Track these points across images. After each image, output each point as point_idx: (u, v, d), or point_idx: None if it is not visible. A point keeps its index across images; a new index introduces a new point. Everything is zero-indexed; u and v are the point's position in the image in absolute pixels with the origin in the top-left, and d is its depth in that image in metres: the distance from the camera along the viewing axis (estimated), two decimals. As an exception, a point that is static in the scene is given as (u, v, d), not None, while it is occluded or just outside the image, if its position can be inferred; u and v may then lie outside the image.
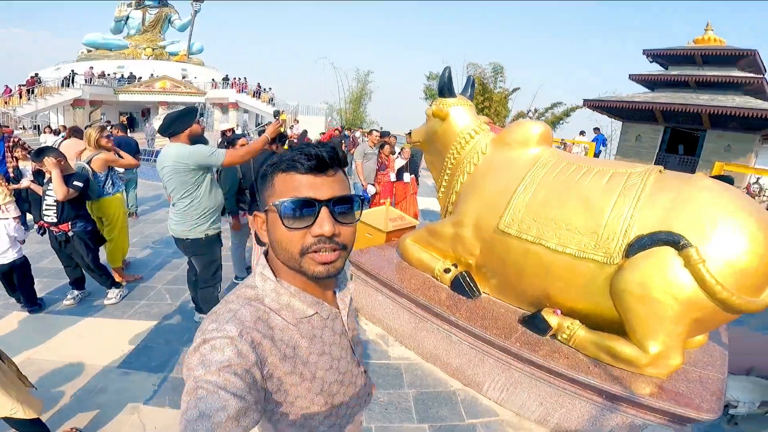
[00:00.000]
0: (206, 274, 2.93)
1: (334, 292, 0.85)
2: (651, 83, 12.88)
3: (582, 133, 14.19)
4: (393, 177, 6.15)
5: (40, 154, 3.17)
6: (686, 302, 1.87)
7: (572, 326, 2.25)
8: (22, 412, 1.72)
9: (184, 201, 2.68)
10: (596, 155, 12.92)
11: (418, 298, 2.80)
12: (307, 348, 0.74)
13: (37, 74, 21.04)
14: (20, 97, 18.14)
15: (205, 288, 2.97)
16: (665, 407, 1.89)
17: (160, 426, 2.21)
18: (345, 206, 0.71)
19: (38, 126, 14.76)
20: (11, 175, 5.62)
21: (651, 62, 12.92)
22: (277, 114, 3.17)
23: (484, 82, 24.49)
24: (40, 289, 3.75)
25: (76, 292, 3.55)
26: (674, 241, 1.87)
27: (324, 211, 0.68)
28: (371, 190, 6.03)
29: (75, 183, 3.17)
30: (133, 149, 6.61)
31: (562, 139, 14.10)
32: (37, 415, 1.79)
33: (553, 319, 2.31)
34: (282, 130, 3.02)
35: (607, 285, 2.08)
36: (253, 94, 24.30)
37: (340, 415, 0.82)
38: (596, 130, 13.56)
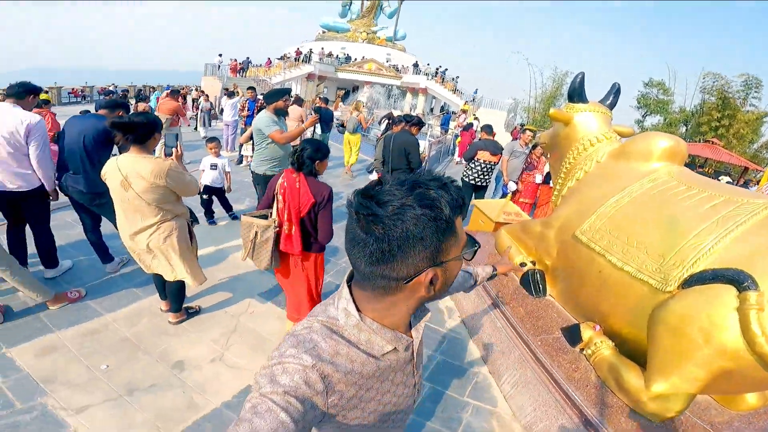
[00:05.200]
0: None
1: (410, 324, 0.85)
2: None
3: None
4: (539, 179, 6.03)
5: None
6: (717, 346, 1.61)
7: (600, 344, 2.14)
8: (190, 280, 2.60)
9: (257, 148, 3.75)
10: None
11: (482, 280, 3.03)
12: (377, 378, 0.76)
13: (298, 48, 27.02)
14: (297, 59, 24.20)
15: None
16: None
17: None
18: None
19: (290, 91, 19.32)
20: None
21: None
22: (317, 110, 3.85)
23: (727, 96, 19.98)
24: (247, 204, 5.48)
25: None
26: (738, 281, 1.61)
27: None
28: (512, 186, 6.07)
29: None
30: (329, 117, 8.44)
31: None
32: (195, 285, 2.65)
33: (587, 332, 2.23)
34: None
35: None
36: (440, 80, 25.61)
37: (387, 427, 0.86)
38: None
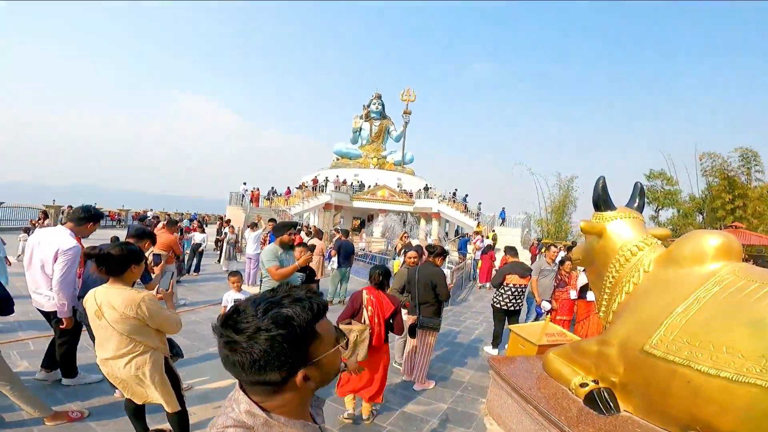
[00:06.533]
0: None
1: (311, 413, 0.93)
2: None
3: None
4: (574, 294, 5.77)
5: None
6: None
7: None
8: (167, 406, 2.36)
9: (264, 279, 3.83)
10: None
11: (538, 405, 2.66)
12: None
13: (316, 177, 27.08)
14: (314, 188, 24.04)
15: None
16: None
17: None
18: None
19: (300, 224, 18.11)
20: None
21: None
22: (312, 248, 4.00)
23: (729, 175, 19.90)
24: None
25: None
26: None
27: None
28: (545, 306, 5.79)
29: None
30: (350, 251, 8.38)
31: None
32: (173, 411, 2.39)
33: None
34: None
35: None
36: (454, 204, 25.20)
37: None
38: None
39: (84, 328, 3.24)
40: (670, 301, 2.30)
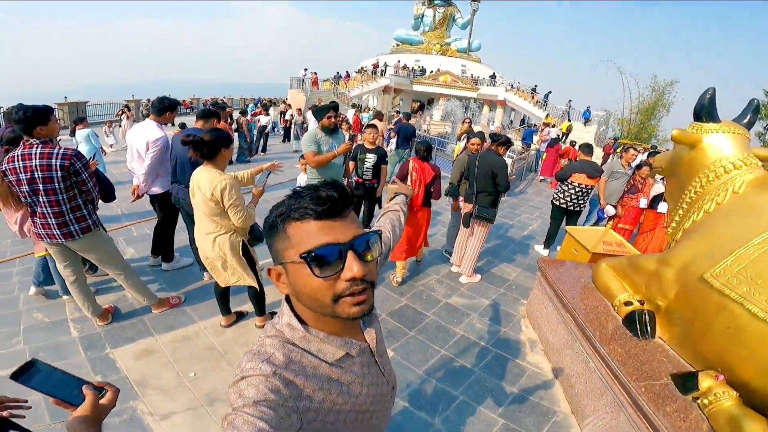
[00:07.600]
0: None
1: (361, 329, 0.87)
2: None
3: None
4: (644, 203, 5.36)
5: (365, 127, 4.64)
6: None
7: (722, 395, 1.84)
8: (246, 282, 2.69)
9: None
10: None
11: (576, 316, 2.72)
12: (340, 381, 0.77)
13: (376, 62, 27.36)
14: (374, 72, 24.90)
15: None
16: None
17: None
18: (365, 245, 0.71)
19: (360, 105, 18.42)
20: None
21: None
22: (352, 138, 4.07)
23: None
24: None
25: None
26: None
27: (351, 255, 0.68)
28: (609, 210, 5.48)
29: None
30: (411, 134, 8.30)
31: None
32: (255, 285, 2.72)
33: (707, 381, 1.94)
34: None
35: None
36: (530, 97, 23.38)
37: (371, 427, 0.87)
38: None
39: (180, 212, 3.64)
40: (749, 229, 2.05)
